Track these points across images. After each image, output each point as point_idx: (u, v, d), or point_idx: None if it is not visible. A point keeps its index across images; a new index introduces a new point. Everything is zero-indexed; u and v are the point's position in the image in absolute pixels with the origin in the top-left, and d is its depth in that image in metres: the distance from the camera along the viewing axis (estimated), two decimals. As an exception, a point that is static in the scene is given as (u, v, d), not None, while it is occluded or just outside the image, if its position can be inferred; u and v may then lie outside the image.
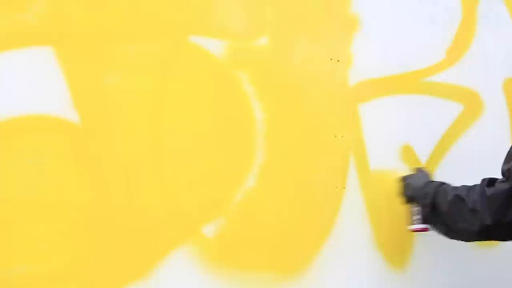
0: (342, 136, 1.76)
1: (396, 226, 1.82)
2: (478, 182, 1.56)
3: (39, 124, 1.40)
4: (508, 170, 1.47)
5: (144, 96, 1.51)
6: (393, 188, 1.81)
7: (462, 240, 1.64)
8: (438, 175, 1.86)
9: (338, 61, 1.76)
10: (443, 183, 1.67)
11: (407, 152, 1.88)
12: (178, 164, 1.55)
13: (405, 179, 1.78)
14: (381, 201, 1.82)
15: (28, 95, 1.39)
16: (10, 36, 1.37)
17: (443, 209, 1.61)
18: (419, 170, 1.81)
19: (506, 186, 1.47)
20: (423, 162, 1.90)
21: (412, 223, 1.73)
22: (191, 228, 1.56)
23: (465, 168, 1.90)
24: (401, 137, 1.86)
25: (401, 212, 1.84)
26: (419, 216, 1.71)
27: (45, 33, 1.41)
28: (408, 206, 1.75)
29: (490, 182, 1.53)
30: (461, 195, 1.56)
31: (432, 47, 1.95)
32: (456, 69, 1.98)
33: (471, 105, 2.00)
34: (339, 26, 1.77)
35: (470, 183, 1.59)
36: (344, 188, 1.76)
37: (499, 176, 1.52)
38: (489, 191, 1.51)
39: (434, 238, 1.79)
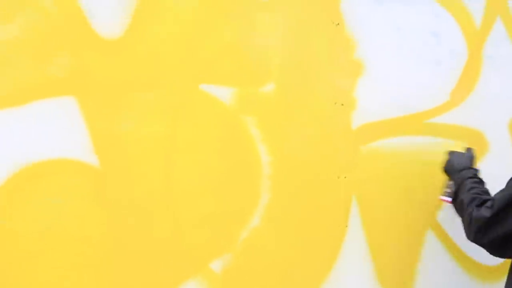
0: (345, 177, 1.98)
1: (397, 263, 2.04)
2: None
3: (63, 168, 1.66)
4: (494, 200, 1.76)
5: (157, 141, 1.76)
6: (394, 227, 2.02)
7: None
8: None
9: (342, 105, 1.99)
10: (472, 177, 1.93)
11: (411, 192, 2.10)
12: (188, 203, 1.78)
13: (450, 153, 2.05)
14: (383, 239, 2.03)
15: (53, 141, 1.64)
16: (38, 88, 1.63)
17: (458, 200, 1.91)
18: (468, 150, 2.07)
19: (487, 214, 1.75)
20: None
21: (443, 194, 2.00)
22: (200, 264, 1.80)
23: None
24: (403, 178, 2.07)
25: (402, 250, 2.05)
26: (449, 190, 1.98)
27: (68, 84, 1.67)
28: (445, 177, 2.01)
29: (482, 203, 1.81)
30: (466, 201, 1.85)
31: (436, 89, 2.16)
32: (460, 110, 2.19)
33: (476, 144, 2.19)
34: (343, 71, 1.99)
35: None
36: (346, 226, 1.98)
37: None
38: (475, 212, 1.80)
39: (435, 276, 1.99)
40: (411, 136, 2.09)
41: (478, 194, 1.85)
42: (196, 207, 1.79)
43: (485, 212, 1.75)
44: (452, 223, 2.15)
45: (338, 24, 1.97)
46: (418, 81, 2.12)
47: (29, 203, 1.62)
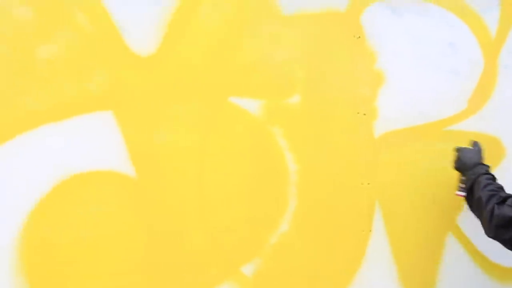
0: (368, 184, 2.10)
1: (419, 266, 2.14)
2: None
3: (102, 178, 1.78)
4: None
5: (190, 151, 1.88)
6: (416, 231, 2.13)
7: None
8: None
9: (364, 114, 2.11)
10: (485, 173, 2.03)
11: (432, 197, 2.21)
12: (220, 210, 1.91)
13: (458, 150, 2.14)
14: (405, 243, 2.14)
15: (92, 153, 1.77)
16: (77, 103, 1.76)
17: (475, 198, 2.00)
18: (474, 144, 2.16)
19: (510, 212, 1.84)
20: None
21: (458, 189, 2.10)
22: (232, 268, 1.92)
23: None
24: (424, 183, 2.19)
25: (424, 253, 2.16)
26: (463, 185, 2.08)
27: (105, 99, 1.80)
28: (458, 173, 2.11)
29: (503, 200, 1.90)
30: (484, 198, 1.94)
31: (454, 97, 2.27)
32: (478, 117, 2.29)
33: (493, 150, 2.30)
34: (364, 82, 2.11)
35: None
36: (370, 231, 2.09)
37: None
38: (497, 210, 1.88)
39: (456, 278, 2.10)
40: (430, 143, 2.22)
41: (495, 191, 1.94)
42: (227, 214, 1.91)
43: (508, 210, 1.84)
44: (472, 226, 2.26)
45: (359, 37, 2.09)
46: (436, 90, 2.23)
47: (70, 213, 1.75)
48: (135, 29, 1.80)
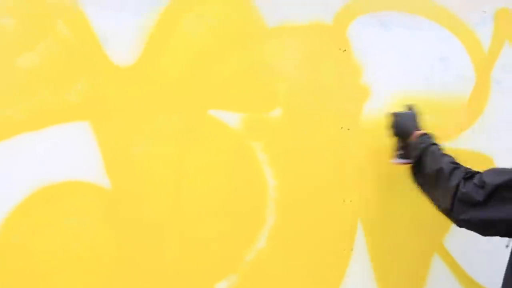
0: (350, 201, 2.33)
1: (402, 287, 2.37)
2: None
3: (76, 190, 2.00)
4: (483, 178, 1.98)
5: (167, 164, 2.10)
6: (400, 251, 2.36)
7: (431, 202, 2.15)
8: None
9: (348, 129, 2.34)
10: (434, 143, 2.18)
11: (417, 216, 2.43)
12: (196, 224, 2.13)
13: (394, 115, 2.29)
14: (388, 264, 2.37)
15: (67, 164, 1.98)
16: (54, 113, 1.98)
17: (427, 170, 2.14)
18: (410, 108, 2.31)
19: (479, 197, 1.97)
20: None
21: (395, 157, 2.29)
22: (206, 284, 2.14)
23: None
24: (409, 202, 2.41)
25: (408, 275, 2.39)
26: (402, 152, 2.26)
27: (83, 109, 2.02)
28: (394, 140, 2.29)
29: (470, 177, 2.03)
30: (445, 171, 2.07)
31: (444, 114, 2.50)
32: (469, 135, 2.54)
33: (484, 168, 2.52)
34: (349, 96, 2.35)
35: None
36: (351, 250, 2.32)
37: None
38: (464, 187, 2.01)
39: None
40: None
41: (457, 164, 2.09)
42: (203, 229, 2.13)
43: (476, 193, 1.97)
44: (459, 247, 2.50)
45: (345, 50, 2.33)
46: (425, 106, 2.46)
47: (43, 224, 1.96)
48: (115, 40, 2.02)
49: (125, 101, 2.06)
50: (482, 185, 1.99)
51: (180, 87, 2.12)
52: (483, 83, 2.57)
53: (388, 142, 2.34)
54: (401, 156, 2.27)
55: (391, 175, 2.35)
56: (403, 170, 2.31)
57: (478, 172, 2.06)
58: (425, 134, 2.23)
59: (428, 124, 2.39)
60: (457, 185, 2.03)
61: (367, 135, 2.33)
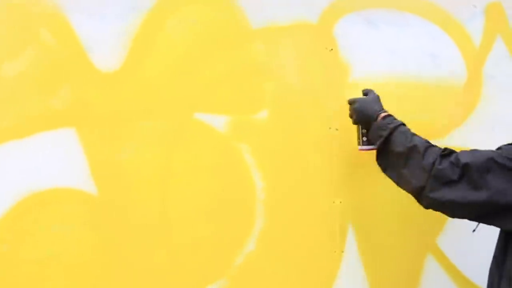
0: (340, 202, 2.51)
1: (394, 289, 2.56)
2: None
3: (62, 196, 2.19)
4: (459, 158, 2.15)
5: (154, 169, 2.29)
6: (393, 252, 2.54)
7: (398, 183, 2.32)
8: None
9: (336, 129, 2.52)
10: (403, 124, 2.32)
11: (410, 216, 2.61)
12: (184, 229, 2.31)
13: (353, 102, 2.43)
14: (381, 265, 2.56)
15: (53, 171, 2.17)
16: (39, 120, 2.16)
17: (397, 149, 2.27)
18: (368, 92, 2.45)
19: (453, 175, 2.15)
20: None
21: (361, 144, 2.44)
22: (195, 289, 2.33)
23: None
24: (401, 202, 2.58)
25: (401, 276, 2.57)
26: (366, 138, 2.40)
27: (68, 116, 2.20)
28: (357, 127, 2.45)
29: (447, 155, 2.20)
30: (420, 149, 2.22)
31: (435, 111, 2.68)
32: (461, 131, 2.72)
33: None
34: (337, 96, 2.53)
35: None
36: (342, 252, 2.51)
37: None
38: (441, 164, 2.18)
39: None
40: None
41: (429, 142, 2.25)
42: (191, 233, 2.32)
43: (452, 171, 2.15)
44: (453, 247, 2.68)
45: (331, 49, 2.52)
46: (415, 103, 2.65)
47: (30, 231, 2.15)
48: (99, 45, 2.21)
49: (111, 106, 2.25)
50: (458, 164, 2.16)
51: (166, 91, 2.31)
52: (475, 78, 2.75)
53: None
54: (367, 143, 2.42)
55: (381, 175, 2.52)
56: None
57: (454, 151, 2.23)
58: (390, 115, 2.38)
59: (420, 121, 2.59)
60: (433, 162, 2.19)
61: (355, 135, 2.50)
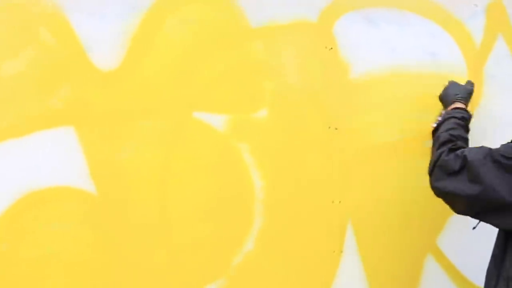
0: (339, 202, 2.59)
1: (394, 289, 2.64)
2: None
3: (61, 195, 2.27)
4: (467, 158, 2.27)
5: (153, 168, 2.37)
6: (392, 252, 2.62)
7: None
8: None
9: (336, 129, 2.60)
10: (458, 117, 2.53)
11: (409, 216, 2.69)
12: (183, 228, 2.40)
13: (449, 82, 2.70)
14: (380, 265, 2.64)
15: (52, 170, 2.25)
16: (39, 119, 2.24)
17: (437, 134, 2.52)
18: (467, 82, 2.71)
19: (455, 166, 2.30)
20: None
21: (435, 121, 2.62)
22: (193, 288, 2.41)
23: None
24: (401, 202, 2.67)
25: (401, 276, 2.65)
26: (440, 118, 2.60)
27: (67, 115, 2.28)
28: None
29: (456, 149, 2.38)
30: (441, 139, 2.45)
31: (435, 110, 2.76)
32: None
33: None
34: (337, 95, 2.61)
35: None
36: (341, 252, 2.59)
37: None
38: (446, 156, 2.37)
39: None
40: (408, 159, 2.71)
41: (455, 137, 2.45)
42: (190, 232, 2.40)
43: (454, 162, 2.31)
44: (453, 247, 2.76)
45: (331, 48, 2.59)
46: (415, 102, 2.73)
47: (29, 230, 2.23)
48: (98, 44, 2.29)
49: (110, 105, 2.33)
50: (461, 157, 2.32)
51: (165, 90, 2.39)
52: (476, 78, 2.83)
53: (377, 142, 2.65)
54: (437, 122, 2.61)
55: (380, 175, 2.62)
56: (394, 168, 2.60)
57: (464, 147, 2.41)
58: (460, 108, 2.59)
59: (420, 120, 2.68)
60: (441, 154, 2.39)
61: (355, 134, 2.61)
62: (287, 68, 2.55)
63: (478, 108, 2.85)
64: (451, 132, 2.47)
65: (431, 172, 2.40)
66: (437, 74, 2.77)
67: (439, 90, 2.74)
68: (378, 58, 2.68)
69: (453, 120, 2.53)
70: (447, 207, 2.50)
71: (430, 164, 2.43)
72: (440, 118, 2.59)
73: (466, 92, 2.66)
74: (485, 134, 2.83)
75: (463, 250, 2.79)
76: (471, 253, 2.78)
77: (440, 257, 2.77)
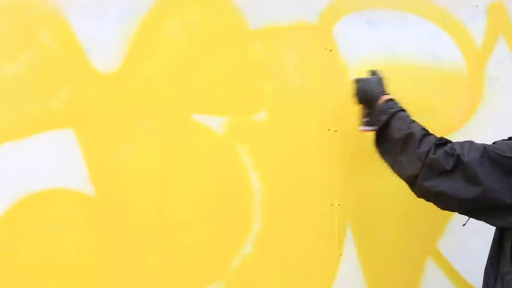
0: (339, 204, 2.67)
1: (394, 293, 2.72)
2: None
3: (60, 197, 2.35)
4: (461, 157, 2.27)
5: (152, 170, 2.46)
6: (392, 256, 2.69)
7: (393, 170, 2.47)
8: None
9: (335, 131, 2.68)
10: (403, 109, 2.47)
11: (409, 219, 2.77)
12: (181, 231, 2.48)
13: (358, 81, 2.61)
14: (380, 269, 2.72)
15: (52, 172, 2.34)
16: (38, 121, 2.33)
17: (395, 135, 2.43)
18: (373, 73, 2.63)
19: (447, 165, 2.29)
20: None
21: (363, 124, 2.58)
22: (192, 291, 2.49)
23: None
24: (401, 204, 2.75)
25: (401, 280, 2.73)
26: (368, 118, 2.56)
27: (67, 117, 2.36)
28: (360, 107, 2.60)
29: (442, 144, 2.35)
30: (417, 136, 2.37)
31: (436, 112, 2.84)
32: (462, 134, 2.86)
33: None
34: (336, 97, 2.70)
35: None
36: (340, 255, 2.67)
37: None
38: (435, 154, 2.32)
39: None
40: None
41: (427, 130, 2.40)
42: (189, 235, 2.49)
43: (446, 161, 2.29)
44: (454, 250, 2.83)
45: (331, 50, 2.68)
46: (415, 104, 2.79)
47: (28, 232, 2.32)
48: (98, 46, 2.39)
49: (109, 107, 2.42)
50: (453, 154, 2.31)
51: (164, 92, 2.48)
52: (477, 79, 2.91)
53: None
54: (368, 123, 2.57)
55: (380, 177, 2.69)
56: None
57: (450, 141, 2.39)
58: (392, 99, 2.54)
59: (420, 122, 2.71)
60: (428, 151, 2.35)
61: (355, 136, 2.67)
62: (286, 70, 2.64)
63: (479, 110, 2.93)
64: (418, 125, 2.42)
65: (417, 173, 2.34)
66: (438, 76, 2.85)
67: (440, 92, 2.83)
68: (378, 60, 2.76)
69: (403, 113, 2.47)
70: (448, 210, 2.60)
71: (409, 165, 2.37)
72: (367, 119, 2.54)
73: (381, 83, 2.58)
74: (486, 136, 2.88)
75: (464, 253, 2.87)
76: (472, 256, 2.84)
77: (441, 260, 2.85)
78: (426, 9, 2.85)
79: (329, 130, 2.68)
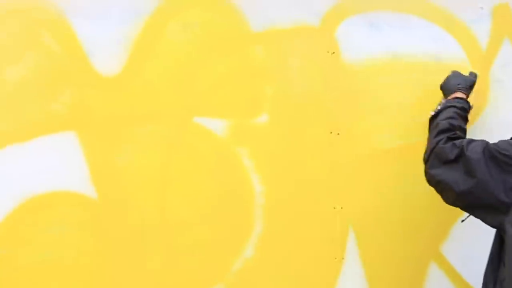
0: (341, 208, 2.78)
1: (396, 297, 2.82)
2: None
3: (62, 200, 2.48)
4: (464, 150, 2.45)
5: (153, 172, 2.58)
6: (394, 259, 2.79)
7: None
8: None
9: (338, 134, 2.79)
10: (458, 107, 2.72)
11: (412, 223, 2.87)
12: (182, 233, 2.60)
13: (451, 72, 2.88)
14: (382, 273, 2.83)
15: (54, 174, 2.46)
16: (41, 124, 2.45)
17: (435, 121, 2.70)
18: (470, 73, 2.89)
19: (451, 155, 2.48)
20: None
21: (435, 110, 2.80)
22: (192, 294, 2.60)
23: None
24: (403, 208, 2.85)
25: (404, 284, 2.83)
26: (439, 107, 2.80)
27: (69, 120, 2.48)
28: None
29: (455, 138, 2.58)
30: (440, 127, 2.63)
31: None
32: (466, 136, 2.94)
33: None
34: (338, 100, 2.81)
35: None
36: (342, 259, 2.78)
37: None
38: (444, 144, 2.56)
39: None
40: (412, 164, 2.87)
41: (454, 126, 2.64)
42: (189, 237, 2.61)
43: (451, 151, 2.50)
44: (458, 255, 2.93)
45: (333, 52, 2.79)
46: (419, 107, 2.91)
47: (30, 234, 2.44)
48: (100, 49, 2.52)
49: (111, 110, 2.55)
50: (458, 146, 2.50)
51: (166, 94, 2.61)
52: (482, 82, 3.00)
53: (379, 147, 2.83)
54: (435, 110, 2.78)
55: (383, 180, 2.81)
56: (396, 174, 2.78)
57: (463, 138, 2.59)
58: (461, 98, 2.78)
59: (425, 125, 2.83)
60: (439, 141, 2.58)
61: (357, 139, 2.80)
62: (288, 73, 2.76)
63: (484, 112, 3.04)
64: (451, 121, 2.65)
65: (427, 159, 2.58)
66: (441, 78, 2.93)
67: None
68: (381, 62, 2.87)
69: (453, 109, 2.71)
70: (450, 214, 2.70)
71: (426, 151, 2.62)
72: (439, 107, 2.76)
73: (468, 83, 2.84)
74: (491, 138, 2.98)
75: (467, 257, 2.96)
76: (475, 260, 2.89)
77: (444, 264, 2.95)
78: (430, 11, 2.96)
79: (331, 133, 2.79)
